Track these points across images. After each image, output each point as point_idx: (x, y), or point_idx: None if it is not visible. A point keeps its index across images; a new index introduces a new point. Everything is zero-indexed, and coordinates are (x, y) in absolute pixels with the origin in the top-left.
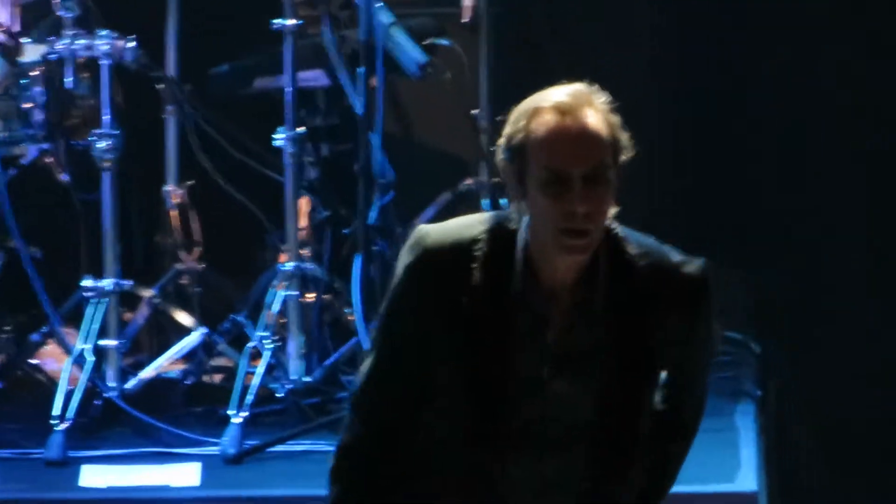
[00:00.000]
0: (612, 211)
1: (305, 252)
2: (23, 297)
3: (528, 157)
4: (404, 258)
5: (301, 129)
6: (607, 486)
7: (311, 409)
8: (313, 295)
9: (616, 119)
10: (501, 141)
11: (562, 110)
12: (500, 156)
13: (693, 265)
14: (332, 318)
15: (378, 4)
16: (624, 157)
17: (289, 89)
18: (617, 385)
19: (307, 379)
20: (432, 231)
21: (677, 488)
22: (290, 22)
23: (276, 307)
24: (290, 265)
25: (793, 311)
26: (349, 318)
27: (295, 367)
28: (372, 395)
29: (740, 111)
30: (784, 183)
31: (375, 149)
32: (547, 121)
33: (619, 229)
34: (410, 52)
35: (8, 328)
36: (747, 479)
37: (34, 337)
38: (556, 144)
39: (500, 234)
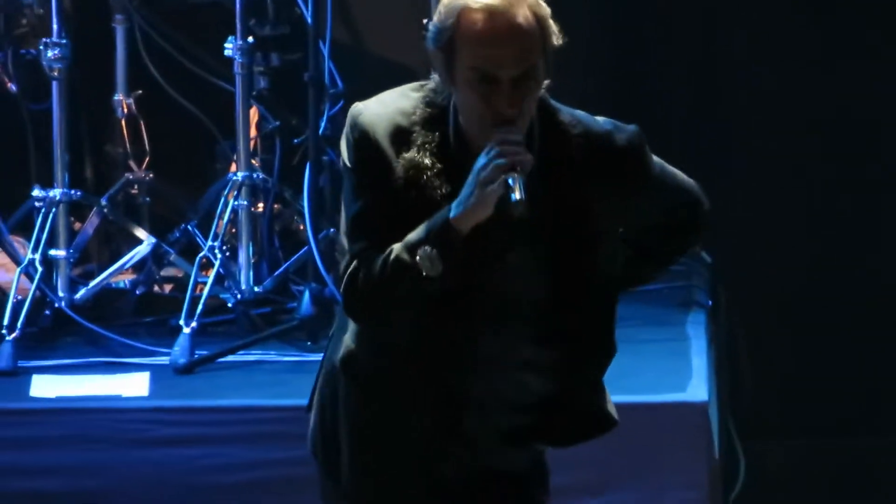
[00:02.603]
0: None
1: (255, 162)
2: None
3: (457, 54)
4: (346, 138)
5: (251, 39)
6: (571, 358)
7: (261, 319)
8: (263, 205)
9: (546, 11)
10: (430, 28)
11: (492, 13)
12: (427, 43)
13: (624, 132)
14: (282, 227)
15: None
16: (555, 45)
17: None
18: (563, 253)
19: (257, 289)
20: (367, 106)
21: (629, 398)
22: None
23: (226, 217)
24: (240, 175)
25: (743, 222)
26: (299, 227)
27: (245, 276)
28: (363, 243)
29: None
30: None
31: (325, 58)
32: (476, 22)
33: (552, 101)
34: None
35: None
36: (698, 388)
37: None
38: (485, 49)
39: (432, 103)
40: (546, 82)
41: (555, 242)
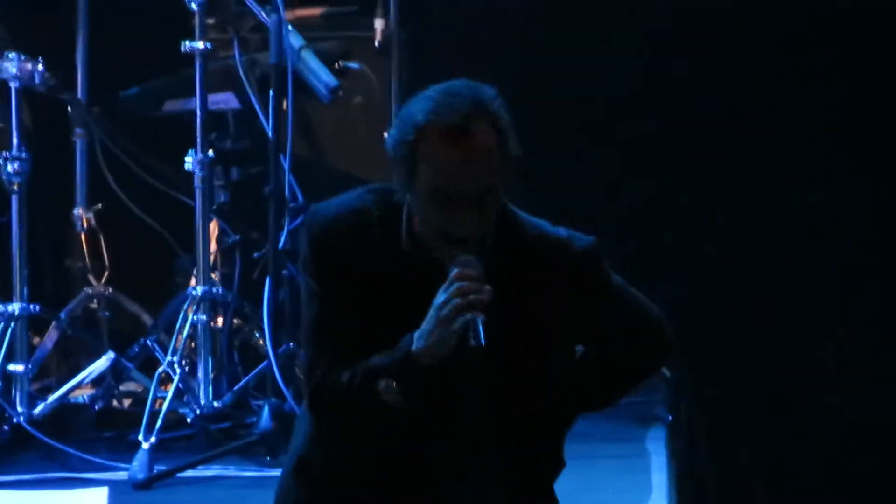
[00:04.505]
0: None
1: (215, 276)
2: None
3: (416, 168)
4: (303, 237)
5: (211, 153)
6: (523, 457)
7: (221, 434)
8: (223, 319)
9: (506, 124)
10: (389, 137)
11: (452, 136)
12: (387, 149)
13: (581, 240)
14: (242, 342)
15: (288, 28)
16: (515, 158)
17: (199, 112)
18: (512, 351)
19: (217, 404)
20: (323, 207)
21: None
22: (200, 45)
23: (185, 331)
24: (199, 289)
25: (701, 335)
26: (259, 342)
27: (204, 391)
28: (322, 346)
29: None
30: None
31: (285, 172)
32: (436, 144)
33: (510, 206)
34: (321, 75)
35: None
36: None
37: None
38: (443, 172)
39: (387, 203)
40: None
41: (504, 343)
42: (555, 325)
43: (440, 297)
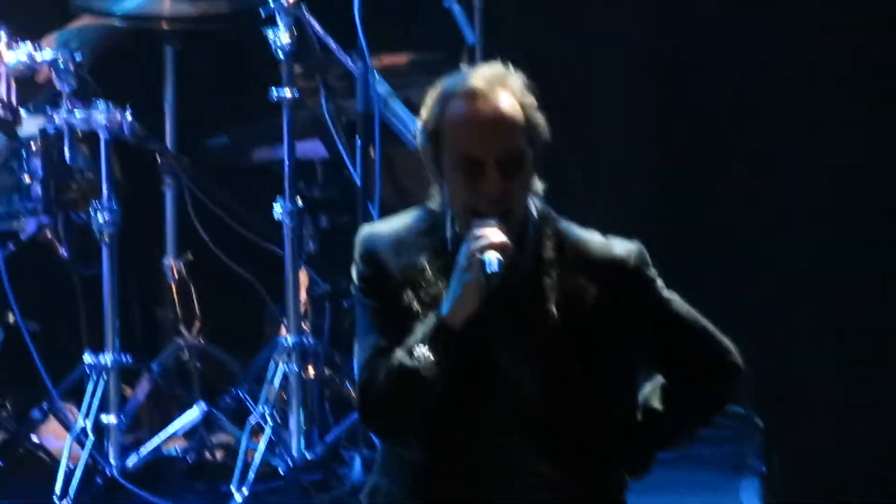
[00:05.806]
0: (533, 190)
1: (306, 325)
2: (23, 374)
3: (443, 141)
4: (355, 253)
5: (300, 201)
6: (577, 478)
7: (313, 486)
8: (314, 369)
9: (531, 101)
10: (419, 124)
11: (474, 96)
12: (418, 140)
13: (624, 245)
14: (333, 392)
15: (375, 75)
16: (542, 138)
17: (287, 160)
18: (553, 356)
19: (308, 455)
20: (371, 226)
21: None
22: (288, 93)
23: (276, 382)
24: (290, 339)
25: (794, 385)
26: (350, 392)
27: (296, 442)
28: (368, 353)
29: None
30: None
31: (374, 220)
32: (459, 106)
33: (553, 212)
34: (408, 122)
35: (8, 405)
36: None
37: (35, 414)
38: (468, 131)
39: (432, 214)
40: (540, 186)
41: (545, 345)
42: (594, 326)
43: (461, 253)
